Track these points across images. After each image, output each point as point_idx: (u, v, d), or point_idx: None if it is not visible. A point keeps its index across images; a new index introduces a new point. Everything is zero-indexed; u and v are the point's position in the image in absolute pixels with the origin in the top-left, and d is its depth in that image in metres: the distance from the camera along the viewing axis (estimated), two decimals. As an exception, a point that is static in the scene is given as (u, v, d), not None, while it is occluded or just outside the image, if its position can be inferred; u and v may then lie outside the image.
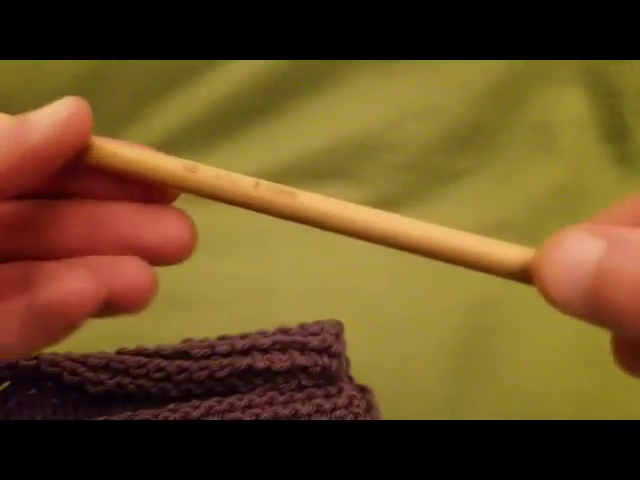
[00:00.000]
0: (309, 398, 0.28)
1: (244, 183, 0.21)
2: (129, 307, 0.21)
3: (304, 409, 0.27)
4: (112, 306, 0.21)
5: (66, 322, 0.20)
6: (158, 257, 0.22)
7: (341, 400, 0.28)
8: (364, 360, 0.29)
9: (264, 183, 0.21)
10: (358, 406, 0.28)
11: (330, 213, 0.21)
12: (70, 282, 0.20)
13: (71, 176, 0.22)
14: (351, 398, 0.28)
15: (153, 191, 0.22)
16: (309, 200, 0.21)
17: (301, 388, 0.28)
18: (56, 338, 0.21)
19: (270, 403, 0.27)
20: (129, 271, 0.21)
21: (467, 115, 0.42)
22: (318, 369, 0.28)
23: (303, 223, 0.22)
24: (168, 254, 0.22)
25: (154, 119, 0.41)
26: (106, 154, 0.21)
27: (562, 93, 0.43)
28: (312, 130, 0.41)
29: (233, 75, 0.40)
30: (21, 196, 0.22)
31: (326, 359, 0.28)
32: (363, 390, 0.29)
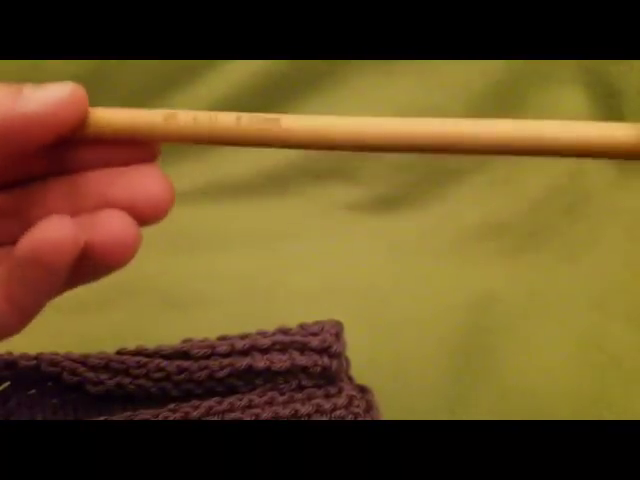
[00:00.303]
0: (309, 398, 0.28)
1: (225, 120, 0.21)
2: (112, 259, 0.21)
3: (304, 409, 0.27)
4: (94, 257, 0.21)
5: (45, 269, 0.20)
6: (139, 215, 0.22)
7: (341, 400, 0.28)
8: (364, 360, 0.29)
9: (246, 116, 0.21)
10: (358, 406, 0.28)
11: (319, 130, 0.21)
12: (46, 228, 0.20)
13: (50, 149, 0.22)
14: (351, 398, 0.28)
15: (132, 153, 0.22)
16: (294, 122, 0.21)
17: (301, 388, 0.28)
18: (41, 292, 0.21)
19: (270, 403, 0.27)
20: (110, 222, 0.21)
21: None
22: (318, 369, 0.28)
23: (295, 147, 0.21)
24: (149, 211, 0.22)
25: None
26: (89, 123, 0.21)
27: (562, 93, 0.43)
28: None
29: (233, 75, 0.40)
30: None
31: (326, 359, 0.28)
32: (363, 390, 0.29)
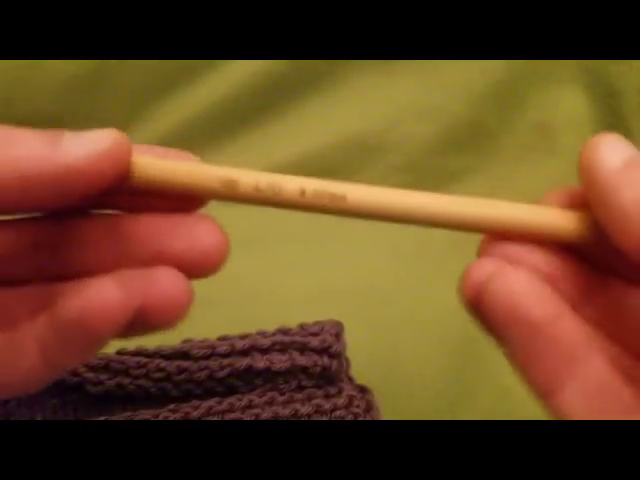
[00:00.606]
0: (309, 398, 0.28)
1: (289, 193, 0.20)
2: (163, 321, 0.19)
3: (304, 409, 0.27)
4: (145, 320, 0.19)
5: (92, 336, 0.18)
6: (192, 268, 0.20)
7: (341, 400, 0.28)
8: (364, 360, 0.29)
9: (310, 190, 0.20)
10: (358, 406, 0.28)
11: (385, 206, 0.21)
12: (95, 292, 0.18)
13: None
14: (351, 398, 0.28)
15: (181, 201, 0.21)
16: (360, 199, 0.21)
17: (301, 388, 0.28)
18: (81, 356, 0.20)
19: (270, 403, 0.27)
20: (162, 282, 0.19)
21: (467, 115, 0.42)
22: (318, 369, 0.28)
23: (358, 218, 0.21)
24: (203, 264, 0.20)
25: (153, 119, 0.40)
26: (140, 173, 0.20)
27: (562, 93, 0.43)
28: (312, 130, 0.41)
29: (232, 75, 0.40)
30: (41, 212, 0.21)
31: (326, 359, 0.28)
32: (363, 390, 0.29)
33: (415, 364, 0.35)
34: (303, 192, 0.20)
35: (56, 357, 0.19)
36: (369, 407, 0.28)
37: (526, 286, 0.20)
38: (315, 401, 0.28)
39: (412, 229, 0.41)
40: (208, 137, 0.40)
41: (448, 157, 0.42)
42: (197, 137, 0.40)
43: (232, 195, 0.20)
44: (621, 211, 0.19)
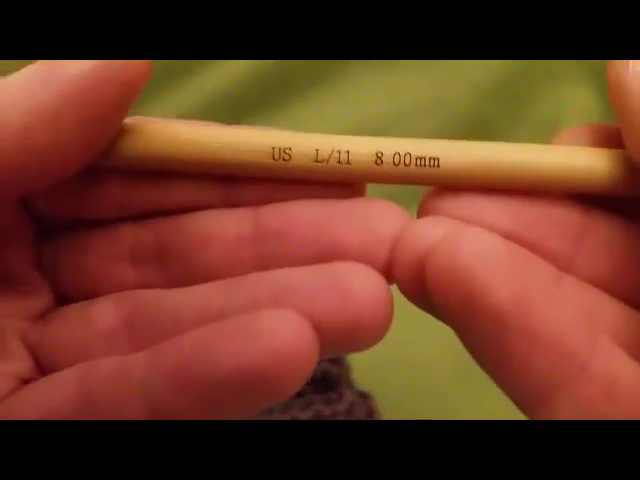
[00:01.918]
0: (309, 404, 0.27)
1: (362, 159, 0.16)
2: (364, 342, 0.15)
3: (304, 415, 0.27)
4: (337, 345, 0.15)
5: (262, 394, 0.14)
6: (375, 263, 0.15)
7: (341, 406, 0.27)
8: (365, 365, 0.29)
9: (387, 154, 0.16)
10: (359, 412, 0.27)
11: (492, 164, 0.16)
12: (270, 331, 0.13)
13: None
14: (352, 404, 0.27)
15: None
16: (457, 160, 0.16)
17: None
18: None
19: (269, 410, 0.27)
20: (356, 288, 0.14)
21: (472, 111, 0.42)
22: (318, 374, 0.27)
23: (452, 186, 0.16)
24: (387, 256, 0.15)
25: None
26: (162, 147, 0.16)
27: (569, 89, 0.42)
28: (312, 126, 0.41)
29: (230, 70, 0.40)
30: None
31: (326, 364, 0.27)
32: (364, 396, 0.29)
33: (418, 369, 0.35)
34: (379, 158, 0.16)
35: (166, 409, 0.15)
36: (370, 413, 0.28)
37: (487, 255, 0.14)
38: (315, 407, 0.27)
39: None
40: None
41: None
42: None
43: (285, 167, 0.16)
44: None
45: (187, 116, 0.40)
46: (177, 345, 0.14)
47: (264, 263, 0.16)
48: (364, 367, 0.29)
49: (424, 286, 0.14)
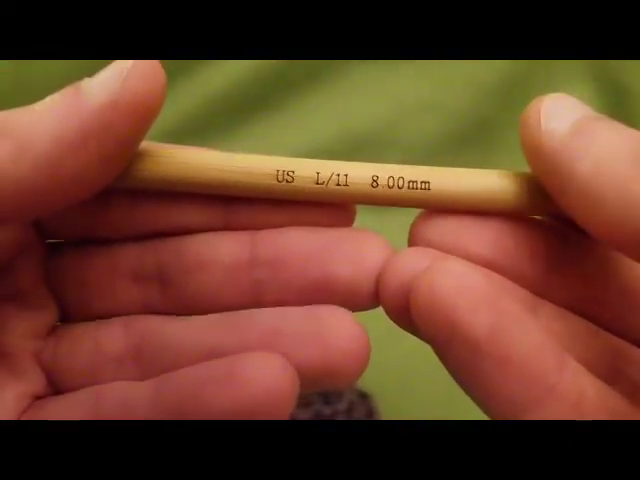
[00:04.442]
0: (308, 404, 0.27)
1: (359, 182, 0.17)
2: (341, 380, 0.17)
3: (304, 415, 0.27)
4: (317, 382, 0.16)
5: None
6: (361, 300, 0.17)
7: (341, 406, 0.27)
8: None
9: (382, 177, 0.17)
10: (359, 412, 0.27)
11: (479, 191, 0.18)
12: (254, 376, 0.15)
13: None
14: (351, 404, 0.27)
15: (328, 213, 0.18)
16: (446, 184, 0.18)
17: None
18: None
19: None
20: (335, 331, 0.16)
21: (472, 111, 0.42)
22: (318, 374, 0.27)
23: (441, 208, 0.18)
24: (373, 294, 0.17)
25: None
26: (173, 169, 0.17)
27: (569, 89, 0.42)
28: (312, 127, 0.41)
29: (230, 70, 0.40)
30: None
31: (326, 364, 0.27)
32: (364, 396, 0.29)
33: (417, 368, 0.35)
34: (375, 181, 0.17)
35: None
36: (370, 413, 0.28)
37: (464, 288, 0.15)
38: (315, 406, 0.27)
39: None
40: (204, 133, 0.40)
41: (453, 154, 0.42)
42: (193, 133, 0.40)
43: (287, 189, 0.17)
44: (580, 191, 0.14)
45: (187, 115, 0.40)
46: (176, 382, 0.16)
47: (258, 289, 0.17)
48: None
49: (408, 313, 0.16)
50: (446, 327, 0.15)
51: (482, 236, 0.17)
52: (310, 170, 0.17)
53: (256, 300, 0.17)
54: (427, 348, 0.34)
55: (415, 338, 0.36)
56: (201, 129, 0.40)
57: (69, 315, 0.19)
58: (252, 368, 0.15)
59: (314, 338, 0.16)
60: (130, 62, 0.16)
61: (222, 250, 0.17)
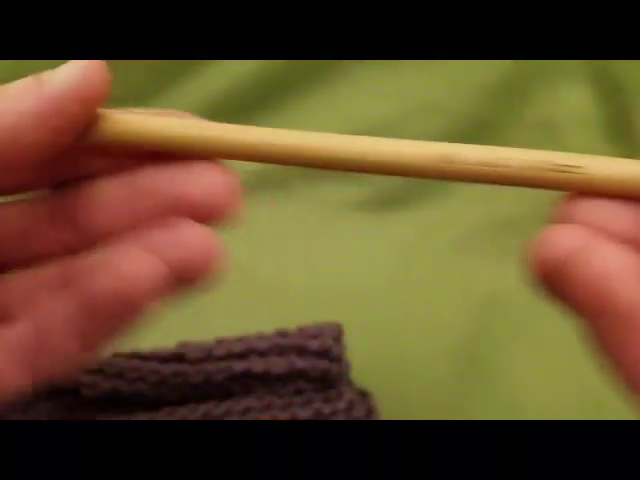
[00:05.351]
0: (308, 402, 0.27)
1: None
2: (199, 278, 0.19)
3: (303, 413, 0.27)
4: (179, 281, 0.19)
5: (128, 309, 0.18)
6: (210, 214, 0.20)
7: (341, 404, 0.27)
8: (365, 363, 0.29)
9: (545, 161, 0.20)
10: (358, 410, 0.27)
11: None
12: (126, 262, 0.18)
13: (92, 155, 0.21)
14: (351, 402, 0.27)
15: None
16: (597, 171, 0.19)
17: (300, 392, 0.27)
18: (120, 331, 0.19)
19: (268, 407, 0.27)
20: (189, 237, 0.19)
21: (471, 112, 0.42)
22: (317, 373, 0.27)
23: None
24: (220, 208, 0.20)
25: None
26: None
27: (567, 89, 0.43)
28: (312, 127, 0.41)
29: (231, 70, 0.40)
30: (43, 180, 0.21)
31: (325, 363, 0.27)
32: (363, 394, 0.29)
33: (417, 366, 0.35)
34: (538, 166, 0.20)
35: (91, 336, 0.19)
36: (370, 411, 0.28)
37: (616, 265, 0.17)
38: (314, 405, 0.27)
39: (414, 228, 0.41)
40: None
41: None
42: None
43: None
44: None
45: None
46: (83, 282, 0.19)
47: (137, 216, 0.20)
48: (362, 367, 0.29)
49: (556, 284, 0.18)
50: (598, 302, 0.17)
51: (631, 218, 0.19)
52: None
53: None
54: (427, 347, 0.34)
55: (415, 339, 0.36)
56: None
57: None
58: (126, 259, 0.18)
59: (179, 244, 0.19)
60: (83, 62, 0.19)
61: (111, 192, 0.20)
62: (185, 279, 0.19)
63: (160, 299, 0.19)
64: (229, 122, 0.34)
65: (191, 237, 0.19)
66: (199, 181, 0.20)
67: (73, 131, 0.19)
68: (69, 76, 0.19)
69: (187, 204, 0.19)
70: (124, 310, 0.18)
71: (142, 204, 0.20)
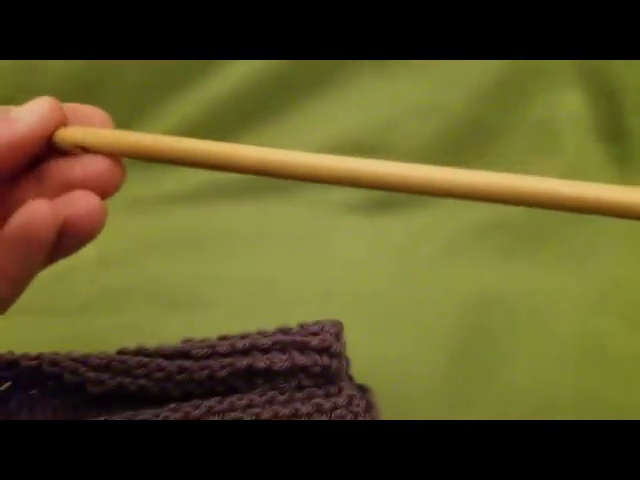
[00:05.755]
0: (309, 397, 0.28)
1: None
2: (85, 231, 0.24)
3: (304, 408, 0.27)
4: (71, 231, 0.24)
5: (32, 243, 0.23)
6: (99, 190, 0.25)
7: (341, 400, 0.27)
8: (364, 359, 0.29)
9: None
10: (358, 405, 0.28)
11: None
12: (31, 209, 0.23)
13: None
14: (351, 397, 0.28)
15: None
16: None
17: (301, 388, 0.28)
18: (28, 262, 0.24)
19: (270, 402, 0.27)
20: (81, 198, 0.25)
21: (467, 114, 0.42)
22: (318, 369, 0.28)
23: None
24: (102, 185, 0.25)
25: (153, 119, 0.41)
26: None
27: (562, 92, 0.43)
28: (311, 130, 0.41)
29: (233, 75, 0.40)
30: None
31: (326, 359, 0.28)
32: (363, 389, 0.29)
33: (415, 363, 0.35)
34: None
35: (10, 271, 0.24)
36: (369, 406, 0.28)
37: None
38: (315, 400, 0.27)
39: (412, 228, 0.41)
40: (208, 137, 0.40)
41: (448, 156, 0.42)
42: (197, 136, 0.40)
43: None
44: None
45: (191, 120, 0.41)
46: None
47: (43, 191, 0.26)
48: (361, 363, 0.30)
49: None
50: None
51: None
52: None
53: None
54: (426, 346, 0.34)
55: (414, 336, 0.36)
56: (204, 133, 0.40)
57: None
58: (31, 204, 0.24)
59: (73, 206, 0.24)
60: (40, 100, 0.25)
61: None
62: (75, 231, 0.24)
63: (53, 240, 0.23)
64: (228, 124, 0.35)
65: (82, 199, 0.24)
66: (85, 167, 0.25)
67: (38, 146, 0.24)
68: (33, 115, 0.24)
69: (77, 183, 0.25)
70: (28, 244, 0.23)
71: (49, 187, 0.25)
